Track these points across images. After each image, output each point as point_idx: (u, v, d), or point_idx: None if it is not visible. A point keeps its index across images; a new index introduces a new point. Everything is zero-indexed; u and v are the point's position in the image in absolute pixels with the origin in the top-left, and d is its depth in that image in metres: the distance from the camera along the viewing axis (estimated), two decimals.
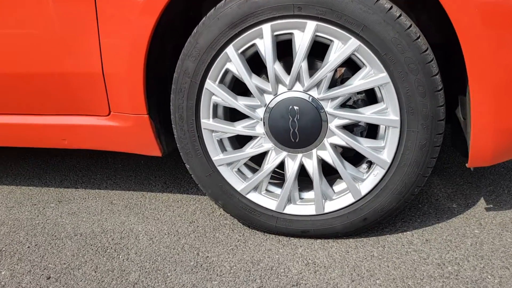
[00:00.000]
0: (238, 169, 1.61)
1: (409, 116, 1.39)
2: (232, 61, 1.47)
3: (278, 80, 1.46)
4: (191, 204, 1.92)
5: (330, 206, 1.55)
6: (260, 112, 1.50)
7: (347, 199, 1.53)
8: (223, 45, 1.45)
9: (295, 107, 1.45)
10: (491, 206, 1.77)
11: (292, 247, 1.57)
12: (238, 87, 1.58)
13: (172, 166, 2.34)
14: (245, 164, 1.63)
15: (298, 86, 1.45)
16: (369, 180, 1.50)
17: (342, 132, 1.46)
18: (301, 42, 1.40)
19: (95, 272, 1.49)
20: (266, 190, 1.62)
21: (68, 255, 1.59)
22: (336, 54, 1.39)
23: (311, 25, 1.38)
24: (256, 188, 1.60)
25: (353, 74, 1.45)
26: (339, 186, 1.59)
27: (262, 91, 1.48)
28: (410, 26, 1.32)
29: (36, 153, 2.62)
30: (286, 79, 1.45)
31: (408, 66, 1.34)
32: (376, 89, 1.43)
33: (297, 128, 1.47)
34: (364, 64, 1.40)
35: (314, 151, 1.50)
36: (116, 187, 2.13)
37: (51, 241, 1.69)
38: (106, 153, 2.54)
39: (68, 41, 1.59)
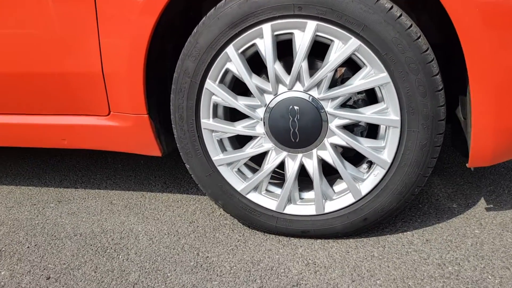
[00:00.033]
0: (238, 169, 1.61)
1: (409, 116, 1.39)
2: (232, 61, 1.47)
3: (278, 80, 1.46)
4: (191, 204, 1.92)
5: (330, 206, 1.54)
6: (260, 112, 1.50)
7: (348, 199, 1.53)
8: (223, 45, 1.45)
9: (295, 107, 1.45)
10: (492, 206, 1.77)
11: (292, 247, 1.57)
12: (238, 87, 1.58)
13: (172, 166, 2.34)
14: (245, 164, 1.63)
15: (298, 86, 1.45)
16: (369, 180, 1.50)
17: (342, 132, 1.46)
18: (302, 42, 1.40)
19: (95, 272, 1.49)
20: (266, 190, 1.62)
21: (67, 255, 1.59)
22: (336, 54, 1.39)
23: (311, 25, 1.38)
24: (256, 188, 1.60)
25: (353, 74, 1.45)
26: (339, 186, 1.58)
27: (262, 91, 1.48)
28: (411, 26, 1.32)
29: (36, 153, 2.61)
30: (287, 79, 1.44)
31: (408, 66, 1.34)
32: (377, 89, 1.42)
33: (297, 128, 1.47)
34: (364, 64, 1.39)
35: (314, 151, 1.50)
36: (116, 187, 2.13)
37: (50, 241, 1.69)
38: (106, 153, 2.54)
39: (68, 41, 1.58)
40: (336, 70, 1.43)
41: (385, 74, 1.37)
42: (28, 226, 1.81)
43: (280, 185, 1.61)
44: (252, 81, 1.47)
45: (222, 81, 1.52)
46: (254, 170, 1.63)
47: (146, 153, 1.72)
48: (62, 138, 1.78)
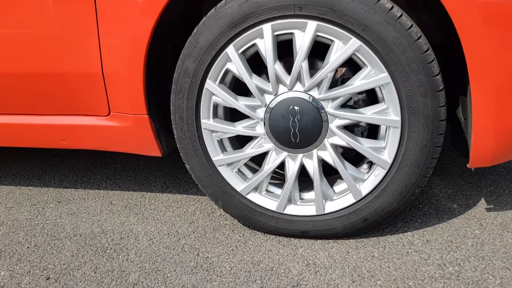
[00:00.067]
0: (238, 169, 1.61)
1: (410, 117, 1.39)
2: (233, 61, 1.47)
3: (278, 80, 1.46)
4: (191, 205, 1.92)
5: (331, 207, 1.54)
6: (261, 112, 1.50)
7: (348, 200, 1.53)
8: (223, 45, 1.45)
9: (296, 107, 1.45)
10: (492, 206, 1.77)
11: (292, 247, 1.56)
12: (239, 87, 1.57)
13: (172, 166, 2.34)
14: (245, 165, 1.62)
15: (298, 86, 1.45)
16: (369, 180, 1.49)
17: (342, 133, 1.46)
18: (302, 42, 1.39)
19: (95, 272, 1.49)
20: (267, 190, 1.61)
21: (67, 256, 1.59)
22: (337, 54, 1.39)
23: (311, 25, 1.38)
24: (256, 189, 1.60)
25: (353, 74, 1.45)
26: (339, 187, 1.58)
27: (262, 91, 1.48)
28: (411, 26, 1.32)
29: (36, 153, 2.61)
30: (287, 79, 1.44)
31: (409, 66, 1.34)
32: (377, 89, 1.42)
33: (298, 128, 1.47)
34: (365, 64, 1.39)
35: (314, 151, 1.50)
36: (115, 188, 2.12)
37: (50, 241, 1.69)
38: (106, 153, 2.53)
39: (68, 41, 1.58)
40: (336, 70, 1.43)
41: (385, 74, 1.37)
42: (28, 227, 1.80)
43: (280, 185, 1.60)
44: (252, 81, 1.47)
45: (222, 81, 1.52)
46: (254, 171, 1.63)
47: (146, 153, 1.72)
48: (62, 138, 1.77)
